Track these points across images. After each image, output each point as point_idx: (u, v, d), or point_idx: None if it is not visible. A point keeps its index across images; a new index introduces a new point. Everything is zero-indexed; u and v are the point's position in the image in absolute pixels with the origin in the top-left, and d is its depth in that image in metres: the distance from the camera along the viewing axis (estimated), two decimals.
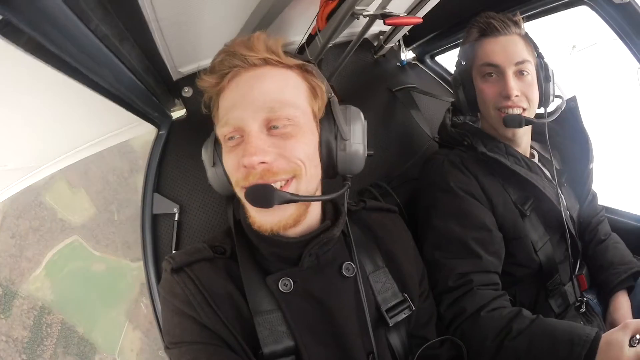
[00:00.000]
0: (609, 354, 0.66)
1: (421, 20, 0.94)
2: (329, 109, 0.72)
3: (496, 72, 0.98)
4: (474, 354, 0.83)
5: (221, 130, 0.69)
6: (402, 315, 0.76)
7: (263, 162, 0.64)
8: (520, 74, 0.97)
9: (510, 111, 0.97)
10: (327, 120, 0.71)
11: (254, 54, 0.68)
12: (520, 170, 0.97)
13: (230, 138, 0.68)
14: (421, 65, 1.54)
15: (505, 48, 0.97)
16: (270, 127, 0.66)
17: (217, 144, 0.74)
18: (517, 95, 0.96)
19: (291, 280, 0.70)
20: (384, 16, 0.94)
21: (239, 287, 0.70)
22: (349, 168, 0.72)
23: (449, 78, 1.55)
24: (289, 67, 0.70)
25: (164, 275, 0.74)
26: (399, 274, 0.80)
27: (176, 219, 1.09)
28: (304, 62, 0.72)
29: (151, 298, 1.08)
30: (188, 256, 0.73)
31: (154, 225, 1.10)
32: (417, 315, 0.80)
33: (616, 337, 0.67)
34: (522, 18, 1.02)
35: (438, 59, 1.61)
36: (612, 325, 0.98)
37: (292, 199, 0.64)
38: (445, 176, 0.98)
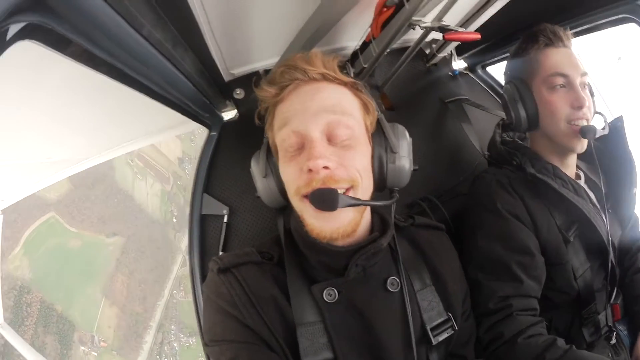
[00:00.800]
0: None
1: (479, 36, 0.91)
2: (378, 125, 0.77)
3: (566, 82, 0.94)
4: None
5: (281, 137, 0.71)
6: (445, 335, 0.76)
7: (326, 168, 0.66)
8: (583, 86, 0.94)
9: (582, 122, 0.93)
10: (378, 134, 0.76)
11: (314, 69, 0.72)
12: (568, 194, 0.94)
13: (292, 147, 0.70)
14: (472, 76, 1.49)
15: (571, 59, 0.95)
16: (330, 137, 0.69)
17: (269, 155, 0.77)
18: (587, 106, 0.93)
19: (336, 291, 0.71)
20: (443, 30, 0.93)
21: (284, 293, 0.72)
22: (397, 181, 0.76)
23: (501, 90, 1.50)
24: (344, 83, 0.74)
25: (209, 275, 0.76)
26: (444, 293, 0.80)
27: (225, 220, 1.10)
28: (356, 81, 0.76)
29: (194, 296, 1.09)
30: (236, 258, 0.75)
31: (202, 225, 1.11)
32: (458, 334, 0.79)
33: None
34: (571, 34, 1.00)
35: (490, 69, 1.55)
36: None
37: (355, 202, 0.66)
38: (492, 196, 0.96)
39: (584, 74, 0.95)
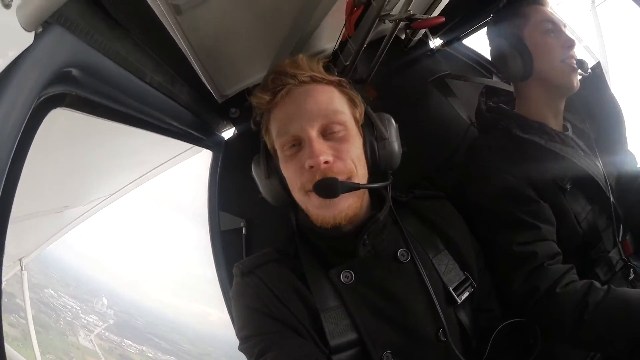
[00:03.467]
0: None
1: (443, 19, 0.98)
2: (366, 116, 0.83)
3: (554, 29, 1.02)
4: (553, 331, 0.84)
5: (280, 140, 0.76)
6: (466, 293, 0.80)
7: (326, 162, 0.72)
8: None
9: (574, 60, 1.00)
10: (367, 125, 0.82)
11: (302, 72, 0.77)
12: (555, 147, 0.98)
13: (290, 146, 0.75)
14: (451, 50, 1.54)
15: (553, 12, 1.04)
16: (325, 134, 0.75)
17: (268, 158, 0.83)
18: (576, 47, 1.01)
19: (352, 272, 0.76)
20: (410, 20, 0.98)
21: (304, 283, 0.77)
22: (390, 164, 0.82)
23: (480, 60, 1.54)
24: (331, 82, 0.80)
25: (235, 280, 0.81)
26: (458, 255, 0.85)
27: (244, 232, 1.17)
28: (340, 79, 0.82)
29: (227, 305, 1.15)
30: (255, 260, 0.82)
31: (223, 240, 1.18)
32: (479, 290, 0.83)
33: None
34: None
35: (465, 42, 1.60)
36: None
37: (354, 186, 0.73)
38: (486, 161, 1.02)
39: (565, 26, 1.02)
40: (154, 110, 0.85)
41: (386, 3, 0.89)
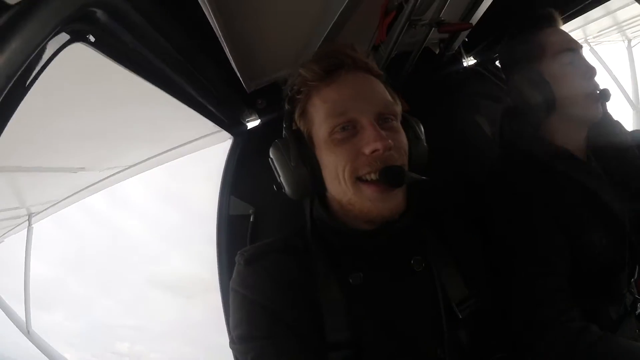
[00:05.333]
0: None
1: (471, 25, 1.00)
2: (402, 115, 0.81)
3: (574, 57, 0.98)
4: None
5: (330, 122, 0.72)
6: (468, 310, 0.76)
7: (389, 149, 0.69)
8: None
9: (597, 90, 0.97)
10: (404, 123, 0.79)
11: (360, 57, 0.76)
12: (580, 177, 0.96)
13: (343, 128, 0.71)
14: (482, 70, 1.53)
15: (569, 35, 1.01)
16: (380, 123, 0.72)
17: (299, 143, 0.76)
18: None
19: (361, 274, 0.73)
20: (438, 24, 1.00)
21: (310, 278, 0.74)
22: (421, 164, 0.79)
23: None
24: (380, 76, 0.79)
25: (236, 268, 0.78)
26: (464, 270, 0.81)
27: (251, 219, 1.18)
28: (385, 74, 0.81)
29: (222, 295, 1.15)
30: (261, 248, 0.79)
31: (230, 225, 1.19)
32: (484, 309, 0.80)
33: None
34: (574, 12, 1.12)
35: (499, 63, 1.58)
36: None
37: (420, 178, 0.70)
38: (507, 187, 0.98)
39: (582, 47, 0.99)
40: (178, 76, 0.85)
41: (417, 6, 0.89)
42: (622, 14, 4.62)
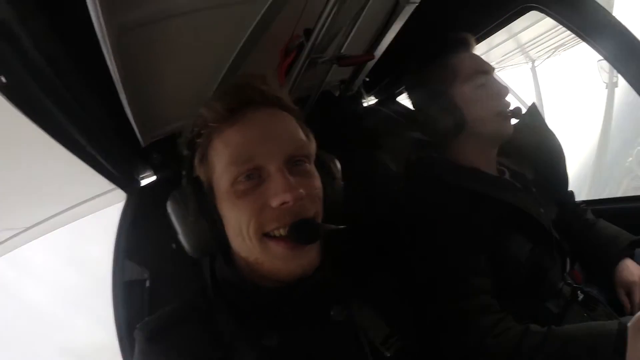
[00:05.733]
0: None
1: (373, 56, 0.98)
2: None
3: (486, 79, 1.02)
4: None
5: (232, 170, 0.63)
6: (394, 348, 0.71)
7: (301, 199, 0.61)
8: None
9: (508, 110, 1.01)
10: (317, 163, 0.72)
11: (272, 91, 0.67)
12: (491, 192, 0.98)
13: (248, 177, 0.63)
14: (383, 109, 1.61)
15: (482, 59, 1.04)
16: (290, 168, 0.64)
17: (198, 194, 0.67)
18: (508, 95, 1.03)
19: (276, 334, 0.65)
20: (338, 59, 0.99)
21: (222, 347, 0.65)
22: (336, 208, 0.72)
23: (412, 114, 1.62)
24: (293, 110, 0.71)
25: (138, 347, 0.67)
26: (381, 307, 0.76)
27: (147, 285, 1.07)
28: (299, 109, 0.73)
29: None
30: (164, 320, 0.69)
31: (126, 293, 1.07)
32: (410, 344, 0.75)
33: None
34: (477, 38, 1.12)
35: (399, 99, 1.69)
36: (624, 284, 1.01)
37: (336, 228, 0.63)
38: (415, 217, 0.98)
39: (494, 70, 1.03)
40: (70, 122, 0.78)
41: (318, 42, 0.88)
42: (525, 36, 4.71)
